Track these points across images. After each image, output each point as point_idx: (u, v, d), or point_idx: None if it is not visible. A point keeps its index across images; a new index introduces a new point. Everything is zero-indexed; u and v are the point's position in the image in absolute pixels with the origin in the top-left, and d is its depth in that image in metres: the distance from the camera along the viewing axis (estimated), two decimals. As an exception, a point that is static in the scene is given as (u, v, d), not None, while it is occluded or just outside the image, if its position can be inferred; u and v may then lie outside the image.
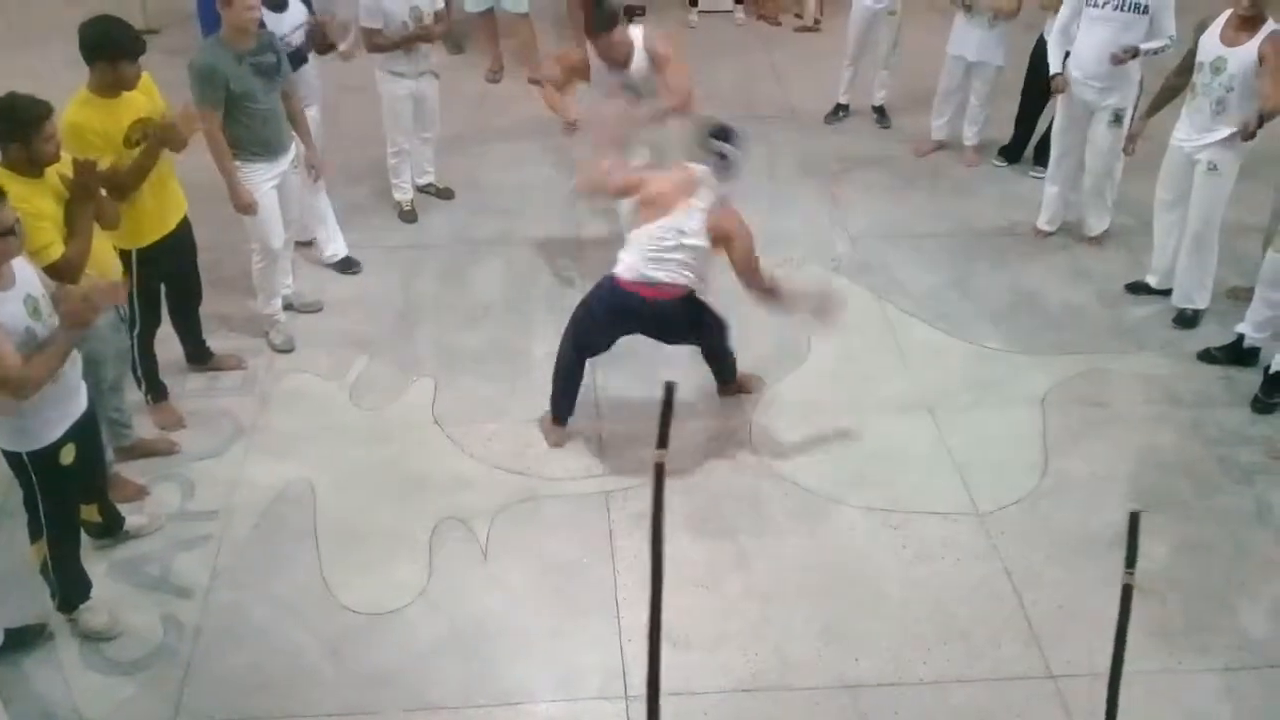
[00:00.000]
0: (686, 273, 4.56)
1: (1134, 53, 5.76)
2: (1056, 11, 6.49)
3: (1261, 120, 5.16)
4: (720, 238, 4.53)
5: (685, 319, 4.73)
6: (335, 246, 6.05)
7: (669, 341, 4.90)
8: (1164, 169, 5.77)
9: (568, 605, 4.25)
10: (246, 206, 5.03)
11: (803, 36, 9.05)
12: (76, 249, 3.91)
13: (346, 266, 6.06)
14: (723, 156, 4.53)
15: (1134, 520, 2.87)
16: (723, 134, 4.57)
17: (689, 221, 4.50)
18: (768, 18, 9.28)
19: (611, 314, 4.70)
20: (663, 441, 2.99)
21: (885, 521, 4.64)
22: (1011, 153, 7.25)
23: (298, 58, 5.61)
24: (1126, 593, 2.95)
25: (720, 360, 5.07)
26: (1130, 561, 2.90)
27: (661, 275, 4.54)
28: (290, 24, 5.55)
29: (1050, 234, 6.52)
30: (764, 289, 4.67)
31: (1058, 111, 6.33)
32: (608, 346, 4.92)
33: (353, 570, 4.37)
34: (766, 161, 7.20)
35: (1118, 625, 3.00)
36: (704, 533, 4.58)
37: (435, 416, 5.13)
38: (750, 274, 4.61)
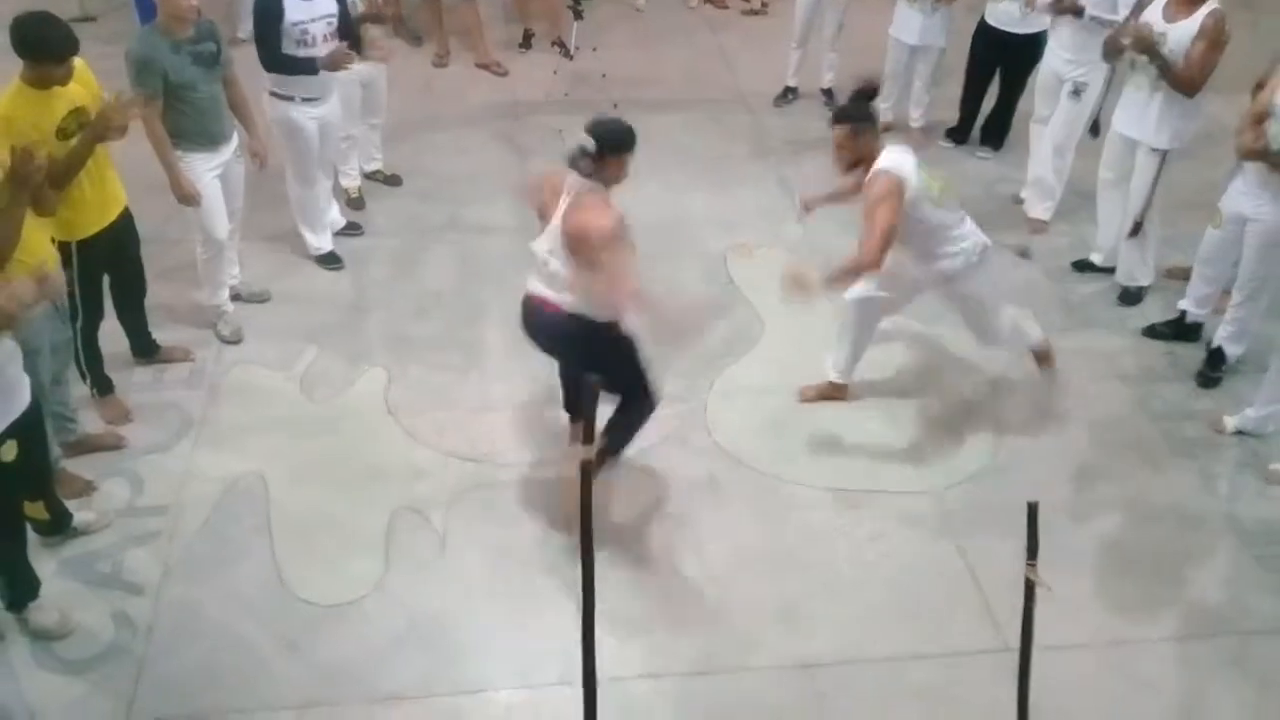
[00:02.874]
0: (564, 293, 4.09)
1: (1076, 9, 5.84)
2: None
3: (1163, 69, 5.22)
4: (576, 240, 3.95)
5: (570, 338, 4.20)
6: (333, 213, 6.15)
7: (569, 363, 4.51)
8: (1106, 149, 5.84)
9: (526, 592, 4.24)
10: (188, 197, 4.95)
11: (750, 20, 9.04)
12: (2, 233, 3.81)
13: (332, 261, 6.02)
14: (582, 147, 3.97)
15: (1032, 512, 2.88)
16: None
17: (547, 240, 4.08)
18: (715, 1, 9.28)
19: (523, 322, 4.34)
20: (588, 437, 2.93)
21: (839, 501, 4.68)
22: (958, 134, 7.31)
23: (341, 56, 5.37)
24: (1029, 587, 2.97)
25: (612, 420, 4.37)
26: (1032, 554, 2.92)
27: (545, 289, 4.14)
28: (316, 12, 5.29)
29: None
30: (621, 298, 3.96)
31: (1038, 81, 6.43)
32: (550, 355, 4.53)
33: (308, 563, 4.33)
34: (717, 145, 7.24)
35: (1023, 614, 3.03)
36: (659, 517, 4.59)
37: (388, 406, 5.09)
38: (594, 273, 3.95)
